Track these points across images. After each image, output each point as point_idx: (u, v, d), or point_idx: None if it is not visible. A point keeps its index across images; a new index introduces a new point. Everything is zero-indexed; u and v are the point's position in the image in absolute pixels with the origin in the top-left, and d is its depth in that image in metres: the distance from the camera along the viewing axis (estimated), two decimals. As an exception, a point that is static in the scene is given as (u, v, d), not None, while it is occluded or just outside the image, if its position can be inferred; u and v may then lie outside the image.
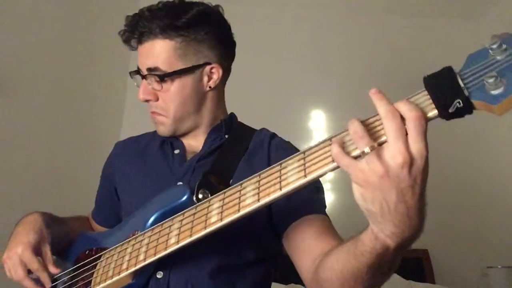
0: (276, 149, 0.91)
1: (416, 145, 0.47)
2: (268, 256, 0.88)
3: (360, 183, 0.49)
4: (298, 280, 1.61)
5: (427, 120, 0.47)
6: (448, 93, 0.45)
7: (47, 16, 2.02)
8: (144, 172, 0.94)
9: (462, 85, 0.46)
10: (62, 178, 1.91)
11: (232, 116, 1.01)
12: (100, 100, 2.40)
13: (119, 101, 2.58)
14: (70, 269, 0.86)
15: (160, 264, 0.78)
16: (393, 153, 0.47)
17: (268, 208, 0.82)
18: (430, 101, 0.47)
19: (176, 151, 0.94)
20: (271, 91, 2.71)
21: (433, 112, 0.47)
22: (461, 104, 0.45)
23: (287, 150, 0.89)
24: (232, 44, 0.98)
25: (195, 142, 0.95)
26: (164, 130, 0.93)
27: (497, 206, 2.61)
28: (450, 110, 0.45)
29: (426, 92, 0.48)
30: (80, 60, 2.24)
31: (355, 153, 0.50)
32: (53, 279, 0.85)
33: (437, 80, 0.47)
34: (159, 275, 0.79)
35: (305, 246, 0.77)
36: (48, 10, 2.01)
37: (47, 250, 0.84)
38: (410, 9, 2.93)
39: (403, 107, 0.48)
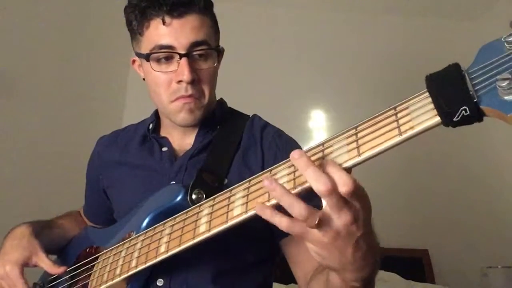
0: (269, 147, 0.83)
1: (356, 204, 0.44)
2: (268, 257, 0.83)
3: (314, 244, 0.47)
4: (298, 280, 1.54)
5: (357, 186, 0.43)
6: (453, 98, 0.37)
7: (47, 13, 1.97)
8: (133, 172, 0.87)
9: (470, 88, 0.37)
10: (62, 176, 1.86)
11: (222, 103, 0.93)
12: (100, 98, 2.34)
13: (120, 99, 2.53)
14: (71, 268, 0.82)
15: (160, 270, 0.73)
16: (338, 216, 0.44)
17: None
18: (432, 106, 0.39)
19: (164, 149, 0.86)
20: (271, 91, 2.65)
21: (435, 120, 0.39)
22: (468, 112, 0.37)
23: (279, 146, 0.82)
24: None
25: (186, 139, 0.87)
26: (196, 117, 0.81)
27: (497, 206, 2.52)
28: (455, 119, 0.37)
29: (427, 94, 0.40)
30: (81, 57, 2.19)
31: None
32: (55, 277, 0.82)
33: (441, 82, 0.39)
34: (160, 282, 0.74)
35: (298, 259, 0.75)
36: (48, 7, 1.97)
37: (42, 258, 0.78)
38: (410, 8, 2.85)
39: (337, 178, 0.43)
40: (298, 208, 0.44)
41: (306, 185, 0.46)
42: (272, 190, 0.46)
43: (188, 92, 0.77)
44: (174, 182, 0.80)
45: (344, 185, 0.42)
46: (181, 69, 0.75)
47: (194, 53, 0.76)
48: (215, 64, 0.80)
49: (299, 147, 0.84)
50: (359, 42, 2.84)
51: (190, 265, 0.75)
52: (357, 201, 0.44)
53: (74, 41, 2.13)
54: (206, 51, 0.78)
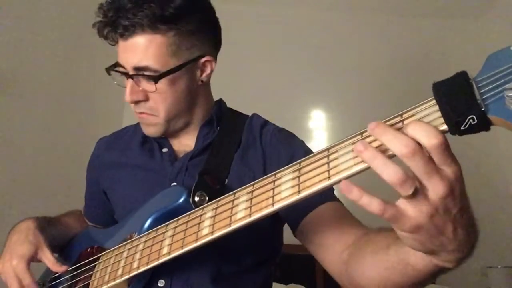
0: (270, 143, 0.82)
1: (449, 169, 0.39)
2: (269, 258, 0.83)
3: (412, 230, 0.41)
4: (298, 280, 1.56)
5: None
6: (461, 107, 0.37)
7: (48, 13, 1.97)
8: (133, 173, 0.87)
9: (478, 97, 0.37)
10: (62, 176, 1.87)
11: (221, 104, 0.92)
12: (101, 98, 2.34)
13: (120, 99, 2.51)
14: (71, 268, 0.82)
15: (161, 271, 0.73)
16: (433, 187, 0.39)
17: None
18: (439, 113, 0.39)
19: (164, 150, 0.86)
20: (271, 91, 2.65)
21: (442, 128, 0.39)
22: (475, 121, 0.37)
23: (281, 140, 0.82)
24: (220, 31, 0.85)
25: (186, 140, 0.87)
26: (156, 131, 0.82)
27: (497, 206, 2.52)
28: (462, 127, 0.37)
29: (434, 102, 0.40)
30: (81, 57, 2.19)
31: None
32: (55, 276, 0.82)
33: (448, 89, 0.38)
34: (161, 283, 0.74)
35: (326, 241, 0.69)
36: (48, 7, 1.96)
37: (46, 254, 0.78)
38: (410, 9, 2.84)
39: (419, 133, 0.38)
40: (393, 169, 0.38)
41: (314, 189, 0.45)
42: (362, 152, 0.40)
43: (138, 110, 0.79)
44: (175, 184, 0.80)
45: (433, 137, 0.37)
46: (126, 89, 0.77)
47: (139, 76, 0.75)
48: (165, 87, 0.75)
49: (301, 141, 0.84)
50: (360, 42, 2.84)
51: (191, 266, 0.75)
52: (450, 166, 0.39)
53: (75, 41, 2.13)
54: (153, 77, 0.74)
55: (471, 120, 0.36)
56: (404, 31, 2.86)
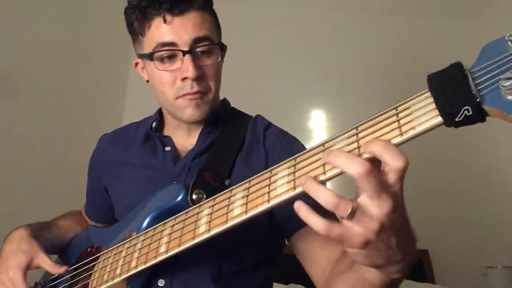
0: (273, 147, 0.82)
1: (398, 185, 0.39)
2: (270, 257, 0.83)
3: (360, 247, 0.42)
4: (298, 280, 1.54)
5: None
6: (455, 98, 0.36)
7: (48, 12, 1.96)
8: (134, 171, 0.86)
9: (473, 87, 0.36)
10: (63, 176, 1.85)
11: (225, 103, 0.92)
12: (101, 97, 2.33)
13: (120, 99, 2.51)
14: (72, 268, 0.82)
15: (161, 271, 0.73)
16: (380, 204, 0.39)
17: (270, 213, 0.75)
18: (434, 105, 0.38)
19: (167, 148, 0.86)
20: (271, 92, 2.64)
21: (437, 120, 0.38)
22: (470, 112, 0.36)
23: (284, 144, 0.82)
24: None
25: (189, 139, 0.86)
26: (203, 111, 0.80)
27: (497, 206, 2.50)
28: (457, 119, 0.36)
29: (429, 94, 0.39)
30: (81, 57, 2.18)
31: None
32: (56, 276, 0.81)
33: (443, 81, 0.37)
34: (161, 283, 0.74)
35: (312, 255, 0.71)
36: (48, 7, 1.96)
37: (43, 259, 0.77)
38: (410, 9, 2.83)
39: (386, 155, 0.39)
40: (324, 194, 0.39)
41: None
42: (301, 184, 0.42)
43: (194, 89, 0.77)
44: (176, 182, 0.79)
45: (401, 159, 0.38)
46: (185, 66, 0.75)
47: (197, 49, 0.76)
48: (219, 60, 0.80)
49: (303, 146, 0.84)
50: (359, 42, 2.83)
51: (191, 266, 0.74)
52: (400, 182, 0.40)
53: (75, 41, 2.12)
54: (209, 47, 0.77)
55: (466, 111, 0.36)
56: (404, 32, 2.85)
